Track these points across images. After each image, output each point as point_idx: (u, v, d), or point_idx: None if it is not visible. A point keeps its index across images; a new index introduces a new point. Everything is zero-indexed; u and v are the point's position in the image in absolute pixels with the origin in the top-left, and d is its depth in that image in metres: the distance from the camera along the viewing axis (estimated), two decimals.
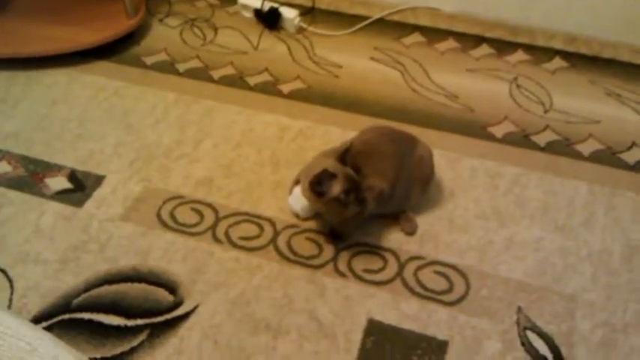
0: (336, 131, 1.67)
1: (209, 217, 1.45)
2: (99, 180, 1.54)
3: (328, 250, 1.39)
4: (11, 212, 1.47)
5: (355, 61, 1.91)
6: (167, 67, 1.88)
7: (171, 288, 1.31)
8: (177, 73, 1.86)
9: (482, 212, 1.47)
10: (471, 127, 1.68)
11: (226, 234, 1.42)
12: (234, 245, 1.39)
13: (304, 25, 2.03)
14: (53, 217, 1.45)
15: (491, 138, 1.66)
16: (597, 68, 1.88)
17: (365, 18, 2.05)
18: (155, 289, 1.31)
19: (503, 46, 1.95)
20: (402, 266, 1.36)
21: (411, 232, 1.42)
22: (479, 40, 1.98)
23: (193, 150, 1.62)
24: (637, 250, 1.40)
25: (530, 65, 1.89)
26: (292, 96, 1.79)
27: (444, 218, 1.46)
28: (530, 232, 1.43)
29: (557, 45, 1.95)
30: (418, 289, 1.32)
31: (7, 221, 1.44)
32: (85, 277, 1.33)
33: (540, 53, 1.93)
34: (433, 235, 1.42)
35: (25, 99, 1.77)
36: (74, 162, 1.58)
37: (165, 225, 1.44)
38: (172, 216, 1.46)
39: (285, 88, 1.81)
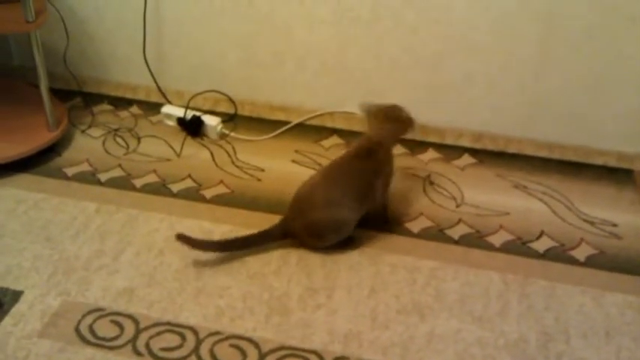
0: None
1: (129, 329, 1.43)
2: (16, 296, 1.50)
3: (252, 357, 1.38)
4: None
5: (277, 164, 1.97)
6: (89, 178, 1.89)
7: None
8: (98, 183, 1.87)
9: (403, 307, 1.51)
10: (388, 224, 1.75)
11: (147, 346, 1.39)
12: (155, 357, 1.37)
13: (227, 132, 2.09)
14: None
15: (408, 233, 1.72)
16: (504, 162, 2.00)
17: (285, 123, 2.13)
18: None
19: (415, 146, 2.05)
20: None
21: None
22: None
23: (114, 260, 1.61)
24: (552, 337, 1.45)
25: (442, 162, 1.99)
26: (215, 201, 1.82)
27: (366, 315, 1.48)
28: (449, 324, 1.47)
29: (465, 143, 2.07)
30: None
31: None
32: None
33: (450, 151, 2.04)
34: (356, 333, 1.44)
35: None
36: None
37: (83, 339, 1.40)
38: (91, 330, 1.42)
39: (208, 194, 1.84)
